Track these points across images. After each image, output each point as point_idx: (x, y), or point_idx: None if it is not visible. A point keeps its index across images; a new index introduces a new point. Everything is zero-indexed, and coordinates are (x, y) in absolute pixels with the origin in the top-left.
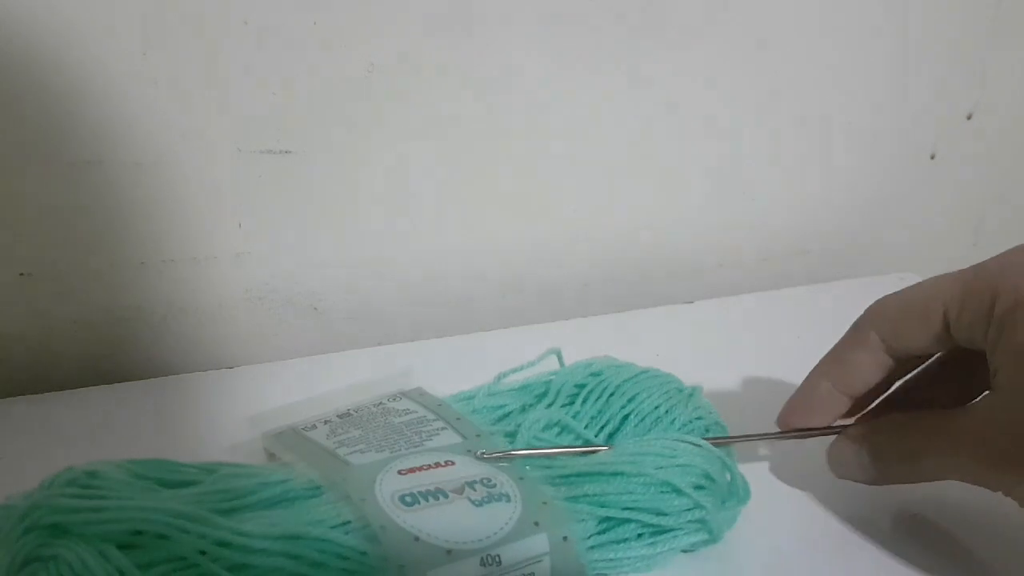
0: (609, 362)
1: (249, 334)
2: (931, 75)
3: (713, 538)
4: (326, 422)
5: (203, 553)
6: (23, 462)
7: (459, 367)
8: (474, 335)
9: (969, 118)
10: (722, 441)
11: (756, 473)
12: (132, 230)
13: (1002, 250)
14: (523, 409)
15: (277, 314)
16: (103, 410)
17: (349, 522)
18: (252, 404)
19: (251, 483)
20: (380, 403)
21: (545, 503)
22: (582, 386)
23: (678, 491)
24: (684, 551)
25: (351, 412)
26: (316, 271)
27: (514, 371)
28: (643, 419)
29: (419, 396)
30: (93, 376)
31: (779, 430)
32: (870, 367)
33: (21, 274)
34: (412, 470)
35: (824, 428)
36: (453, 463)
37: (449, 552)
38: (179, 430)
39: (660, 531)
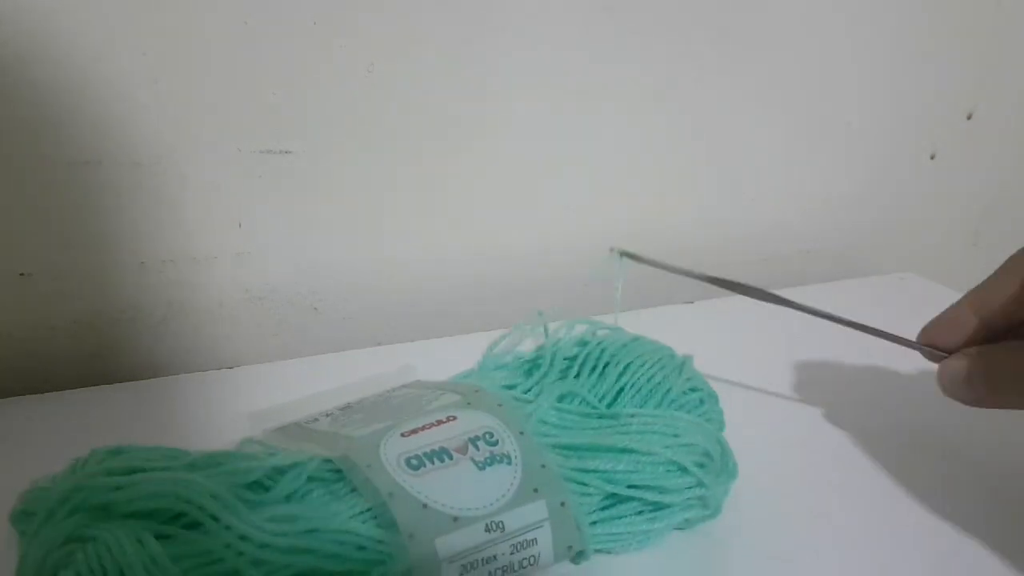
0: (593, 327)
1: (249, 334)
2: (931, 75)
3: (712, 513)
4: (328, 415)
5: (228, 547)
6: (22, 463)
7: (459, 367)
8: (474, 335)
9: (969, 118)
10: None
11: (744, 451)
12: (132, 230)
13: (1003, 251)
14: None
15: (277, 314)
16: (103, 410)
17: (368, 510)
18: (252, 404)
19: (270, 463)
20: (381, 395)
21: (544, 466)
22: (573, 359)
23: (683, 470)
24: (679, 528)
25: (352, 404)
26: (316, 271)
27: (504, 337)
28: (639, 391)
29: (419, 384)
30: (93, 376)
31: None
32: (1008, 295)
33: (21, 274)
34: (414, 431)
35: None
36: (455, 418)
37: (455, 519)
38: (179, 430)
39: (661, 507)
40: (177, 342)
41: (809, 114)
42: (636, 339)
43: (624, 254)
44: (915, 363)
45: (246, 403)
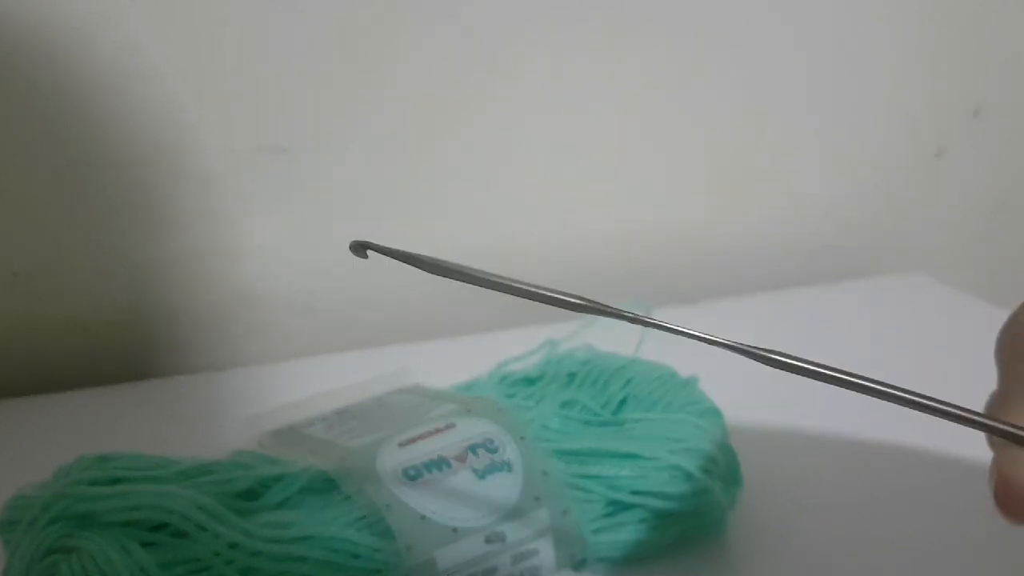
0: (594, 352)
1: (245, 334)
2: (936, 71)
3: (717, 521)
4: (323, 419)
5: (217, 555)
6: (13, 467)
7: (458, 367)
8: (474, 335)
9: (976, 114)
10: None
11: (750, 460)
12: (126, 230)
13: (1014, 249)
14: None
15: (273, 314)
16: (97, 412)
17: (363, 517)
18: (248, 406)
19: (264, 473)
20: (377, 399)
21: (545, 473)
22: (573, 375)
23: (688, 475)
24: (684, 536)
25: (348, 409)
26: (312, 270)
27: (516, 359)
28: (641, 402)
29: (417, 390)
30: (87, 378)
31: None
32: None
33: (14, 274)
34: (412, 440)
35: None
36: (454, 425)
37: (455, 530)
38: (173, 433)
39: (665, 515)
40: (172, 343)
41: (813, 111)
42: (633, 360)
43: (366, 247)
44: (929, 368)
45: (241, 405)
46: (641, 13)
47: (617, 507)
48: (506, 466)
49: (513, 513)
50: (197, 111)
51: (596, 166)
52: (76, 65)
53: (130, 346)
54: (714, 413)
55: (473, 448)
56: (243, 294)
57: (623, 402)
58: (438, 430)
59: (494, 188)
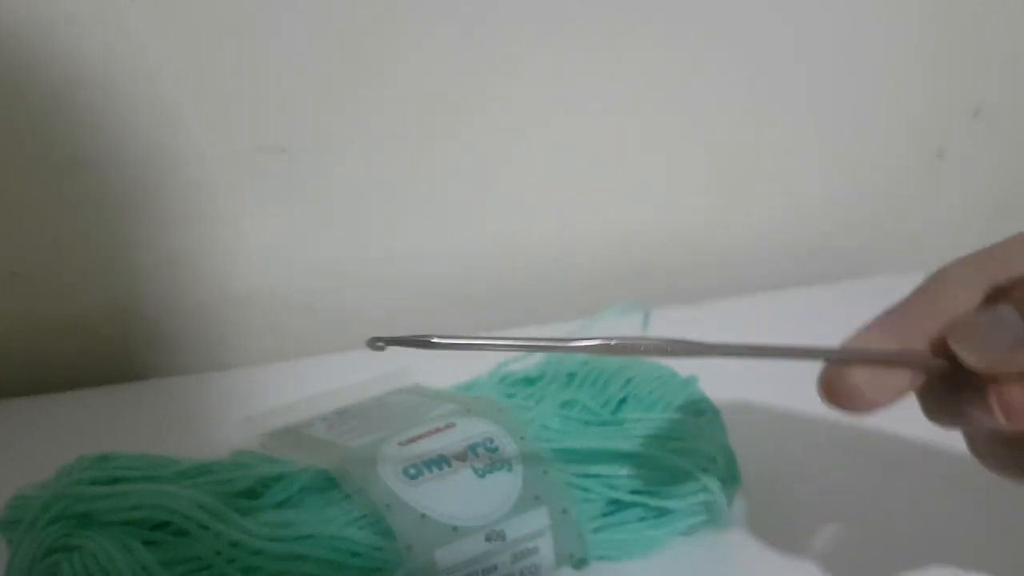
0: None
1: (244, 334)
2: (936, 70)
3: (716, 520)
4: (323, 419)
5: (218, 553)
6: (19, 464)
7: (458, 367)
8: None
9: (976, 114)
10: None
11: (749, 460)
12: (125, 229)
13: None
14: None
15: (273, 314)
16: (97, 412)
17: (364, 516)
18: (248, 406)
19: (264, 472)
20: (377, 399)
21: (545, 472)
22: (573, 375)
23: (688, 474)
24: (683, 535)
25: (348, 409)
26: (312, 270)
27: (516, 359)
28: (641, 401)
29: (417, 390)
30: (86, 377)
31: None
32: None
33: (14, 274)
34: (412, 439)
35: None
36: (454, 424)
37: (455, 529)
38: (172, 433)
39: (664, 514)
40: (171, 343)
41: (813, 112)
42: (638, 359)
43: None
44: None
45: (241, 406)
46: (641, 13)
47: (617, 506)
48: (506, 465)
49: (513, 512)
50: (197, 111)
51: (596, 166)
52: (76, 64)
53: (130, 346)
54: (714, 413)
55: (473, 447)
56: (243, 294)
57: (623, 402)
58: (438, 429)
59: (494, 188)
